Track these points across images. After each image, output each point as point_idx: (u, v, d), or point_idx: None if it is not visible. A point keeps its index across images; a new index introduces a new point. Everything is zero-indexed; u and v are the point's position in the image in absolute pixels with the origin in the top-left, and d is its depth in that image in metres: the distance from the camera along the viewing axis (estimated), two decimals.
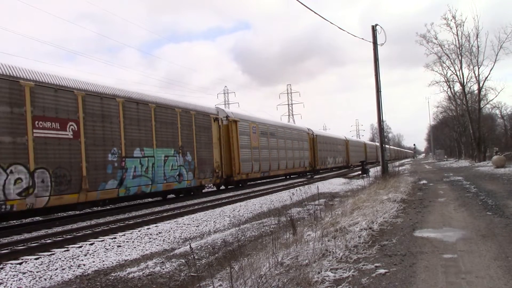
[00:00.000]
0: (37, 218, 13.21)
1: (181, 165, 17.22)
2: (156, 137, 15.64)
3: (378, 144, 38.29)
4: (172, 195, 18.55)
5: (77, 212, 14.59)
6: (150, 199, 18.11)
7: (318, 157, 37.42)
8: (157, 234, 9.62)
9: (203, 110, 19.56)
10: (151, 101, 15.66)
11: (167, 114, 16.47)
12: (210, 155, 19.66)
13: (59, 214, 13.63)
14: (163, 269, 6.67)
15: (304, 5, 13.73)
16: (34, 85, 10.98)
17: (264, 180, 28.03)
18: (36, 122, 10.99)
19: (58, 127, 11.65)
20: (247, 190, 20.26)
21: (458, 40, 38.44)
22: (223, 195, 18.56)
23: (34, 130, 10.91)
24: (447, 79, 42.58)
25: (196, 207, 14.47)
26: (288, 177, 31.61)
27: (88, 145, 12.59)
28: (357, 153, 57.08)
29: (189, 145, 17.93)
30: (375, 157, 63.93)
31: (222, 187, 22.87)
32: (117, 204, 15.88)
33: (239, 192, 20.19)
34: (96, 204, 13.89)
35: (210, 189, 22.75)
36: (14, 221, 12.30)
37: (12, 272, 6.75)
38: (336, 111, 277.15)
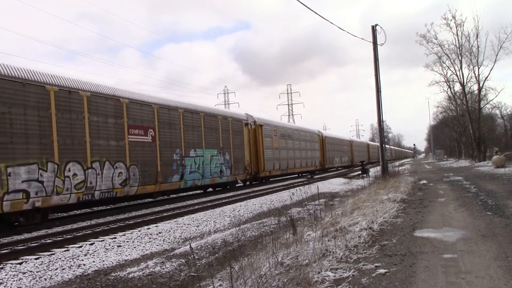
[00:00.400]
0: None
1: (222, 163, 20.69)
2: (204, 140, 19.14)
3: (394, 146, 43.77)
4: (210, 189, 21.59)
5: (77, 212, 14.63)
6: (188, 193, 20.68)
7: (327, 156, 40.32)
8: (157, 234, 9.62)
9: (237, 116, 23.11)
10: (201, 111, 19.20)
11: (211, 121, 19.94)
12: (242, 155, 22.96)
13: (137, 201, 16.70)
14: (163, 269, 6.67)
15: (304, 5, 13.74)
16: (128, 102, 14.42)
17: (283, 177, 31.13)
18: (130, 129, 14.37)
19: (143, 133, 15.03)
20: (250, 190, 21.13)
21: (458, 40, 38.47)
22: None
23: (129, 136, 14.30)
24: (447, 79, 42.61)
25: (196, 207, 14.48)
26: (300, 174, 34.06)
27: (161, 147, 15.90)
28: (361, 153, 59.39)
29: (227, 147, 21.31)
30: (377, 157, 65.75)
31: (247, 183, 25.32)
32: (178, 194, 19.51)
33: (239, 192, 20.27)
34: (165, 194, 17.13)
35: (239, 184, 24.89)
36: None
37: (12, 272, 6.75)
38: (336, 111, 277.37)
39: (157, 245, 8.77)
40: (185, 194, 20.36)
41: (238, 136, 22.55)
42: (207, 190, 21.34)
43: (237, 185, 23.72)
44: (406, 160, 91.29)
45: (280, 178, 30.74)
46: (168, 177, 16.20)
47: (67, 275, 6.73)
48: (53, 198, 11.30)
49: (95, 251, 8.08)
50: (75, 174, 12.02)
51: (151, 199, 16.95)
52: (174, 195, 18.99)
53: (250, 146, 24.09)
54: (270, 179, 27.95)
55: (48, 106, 11.43)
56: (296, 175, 33.38)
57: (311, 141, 36.09)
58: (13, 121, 10.48)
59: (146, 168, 14.92)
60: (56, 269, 6.95)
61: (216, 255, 7.38)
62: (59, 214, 13.84)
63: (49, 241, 9.18)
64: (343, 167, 47.94)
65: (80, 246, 8.51)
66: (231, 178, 21.55)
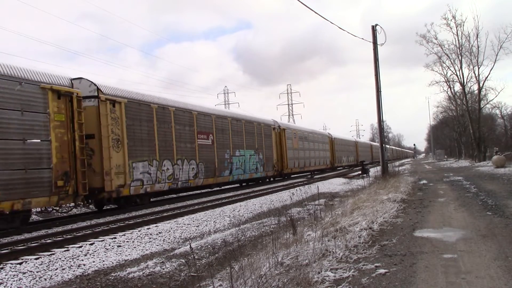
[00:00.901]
0: (37, 218, 13.21)
1: (257, 161, 24.97)
2: (245, 142, 23.49)
3: (394, 146, 48.94)
4: (243, 183, 25.18)
5: (77, 212, 14.63)
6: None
7: (336, 156, 44.43)
8: (157, 234, 9.62)
9: (267, 122, 27.57)
10: (242, 118, 23.87)
11: (249, 127, 24.32)
12: (271, 155, 27.23)
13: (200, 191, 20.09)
14: (163, 269, 6.67)
15: (305, 5, 13.73)
16: (197, 113, 18.82)
17: (300, 174, 34.77)
18: (198, 135, 18.66)
19: (206, 138, 19.41)
20: (252, 189, 21.60)
21: (458, 40, 38.47)
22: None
23: (197, 140, 18.59)
24: (447, 79, 42.62)
25: (196, 207, 14.47)
26: (313, 172, 37.16)
27: (217, 148, 20.29)
28: (365, 152, 63.49)
29: (261, 148, 25.52)
30: (379, 156, 69.12)
31: (271, 179, 29.09)
32: (228, 185, 23.48)
33: (239, 192, 20.31)
34: (219, 185, 21.61)
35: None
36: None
37: (12, 272, 6.75)
38: (336, 111, 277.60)
39: (157, 245, 8.77)
40: (230, 187, 23.10)
41: (268, 138, 26.90)
42: (245, 184, 25.26)
43: (266, 179, 27.88)
44: (406, 160, 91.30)
45: (298, 174, 33.90)
46: (222, 172, 20.61)
47: (67, 275, 6.73)
48: (156, 185, 15.59)
49: (95, 251, 8.08)
50: (168, 169, 16.29)
51: (195, 191, 20.94)
52: (215, 188, 22.01)
53: (276, 147, 28.28)
54: (291, 176, 31.79)
55: (152, 119, 15.65)
56: (310, 173, 36.32)
57: (323, 142, 40.14)
58: (135, 131, 14.67)
59: (208, 165, 19.29)
60: (56, 269, 6.95)
61: (216, 255, 7.38)
62: (157, 198, 17.69)
63: (49, 241, 9.17)
64: (349, 166, 51.52)
65: (80, 246, 8.51)
66: (263, 174, 26.07)
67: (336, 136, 46.79)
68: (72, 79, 12.50)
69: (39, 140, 10.93)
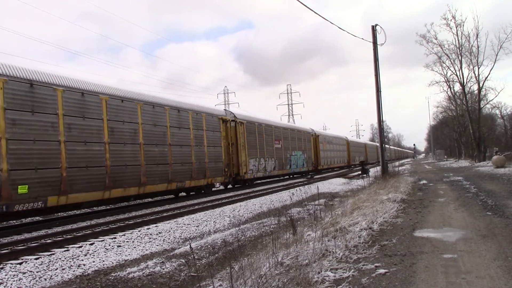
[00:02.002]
0: (37, 218, 13.21)
1: (303, 159, 34.07)
2: (297, 146, 32.82)
3: (394, 147, 51.75)
4: (295, 174, 33.44)
5: (77, 212, 14.62)
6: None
7: (351, 156, 53.22)
8: (157, 234, 9.62)
9: (308, 131, 36.93)
10: (296, 128, 34.33)
11: (299, 134, 33.84)
12: (310, 155, 36.33)
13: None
14: (163, 269, 6.66)
15: (304, 5, 13.71)
16: (274, 127, 28.20)
17: (327, 170, 41.91)
18: (274, 141, 27.91)
19: (278, 143, 28.65)
20: (256, 188, 22.41)
21: (458, 40, 38.46)
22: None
23: (274, 144, 27.90)
24: (447, 79, 42.61)
25: (196, 207, 14.47)
26: (333, 169, 44.51)
27: (284, 150, 29.58)
28: (372, 153, 71.13)
29: (305, 149, 34.73)
30: (391, 156, 77.02)
31: (309, 175, 35.02)
32: (287, 176, 31.80)
33: (239, 192, 20.31)
34: (283, 176, 30.80)
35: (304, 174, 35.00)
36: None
37: (12, 272, 6.75)
38: (336, 111, 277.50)
39: (157, 245, 8.77)
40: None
41: (308, 143, 35.96)
42: (297, 175, 33.48)
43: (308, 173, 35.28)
44: (406, 160, 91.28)
45: (326, 170, 41.52)
46: (285, 166, 29.86)
47: (67, 275, 6.73)
48: (258, 173, 24.90)
49: (95, 251, 8.08)
50: (262, 163, 25.49)
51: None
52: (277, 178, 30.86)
53: (313, 149, 37.29)
54: (322, 171, 39.58)
55: (254, 132, 24.91)
56: (331, 169, 44.00)
57: (341, 144, 48.95)
58: (250, 140, 24.13)
59: (279, 161, 28.47)
60: (56, 269, 6.95)
61: (216, 255, 7.38)
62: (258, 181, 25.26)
63: (49, 241, 9.18)
64: (359, 164, 58.75)
65: (80, 246, 8.51)
66: (306, 168, 34.69)
67: (351, 139, 57.63)
68: (224, 110, 23.50)
69: (220, 147, 20.85)
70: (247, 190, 21.17)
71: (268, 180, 28.76)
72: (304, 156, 34.02)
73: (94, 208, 14.90)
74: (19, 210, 10.36)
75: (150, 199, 18.19)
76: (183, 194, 19.45)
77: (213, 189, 21.31)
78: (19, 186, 10.36)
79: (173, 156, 16.63)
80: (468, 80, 40.54)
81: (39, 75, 11.39)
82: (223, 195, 18.79)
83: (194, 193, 19.46)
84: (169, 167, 16.30)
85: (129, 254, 8.02)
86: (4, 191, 10.00)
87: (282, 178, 31.05)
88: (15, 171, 10.30)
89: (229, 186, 23.86)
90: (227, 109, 24.79)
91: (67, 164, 11.70)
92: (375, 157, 68.57)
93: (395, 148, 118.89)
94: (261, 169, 25.30)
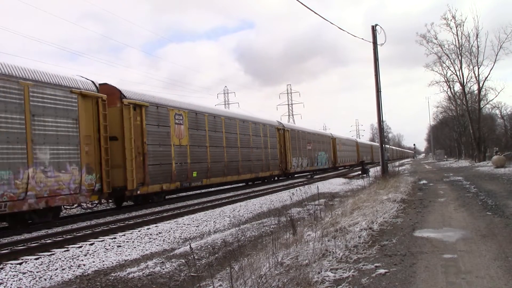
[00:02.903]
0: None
1: (326, 159, 41.25)
2: (321, 147, 40.02)
3: (394, 147, 59.24)
4: (318, 171, 39.34)
5: (77, 212, 14.62)
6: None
7: (360, 155, 59.93)
8: (157, 234, 9.62)
9: (328, 134, 46.34)
10: (319, 133, 42.36)
11: (322, 138, 41.55)
12: (330, 155, 43.75)
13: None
14: (163, 269, 6.66)
15: (304, 5, 13.71)
16: (307, 133, 36.62)
17: (341, 167, 49.40)
18: (307, 144, 35.13)
19: (309, 145, 35.76)
20: (256, 188, 22.48)
21: (458, 40, 38.48)
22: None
23: (307, 146, 35.25)
24: (447, 79, 42.62)
25: (196, 207, 14.47)
26: (345, 167, 51.28)
27: (313, 150, 36.69)
28: (377, 153, 73.37)
29: (326, 150, 41.68)
30: (387, 156, 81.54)
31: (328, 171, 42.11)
32: (315, 171, 37.78)
33: (239, 192, 20.32)
34: (313, 172, 36.41)
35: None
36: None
37: (12, 272, 6.75)
38: (337, 111, 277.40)
39: (157, 245, 8.77)
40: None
41: (328, 145, 43.39)
42: (319, 171, 39.43)
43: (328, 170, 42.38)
44: (406, 160, 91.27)
45: (341, 167, 49.15)
46: (314, 164, 36.82)
47: (67, 275, 6.73)
48: (296, 169, 31.94)
49: (95, 251, 8.08)
50: (299, 161, 32.46)
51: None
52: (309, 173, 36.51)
53: (332, 150, 44.51)
54: (339, 168, 47.33)
55: (295, 138, 32.13)
56: (344, 166, 51.32)
57: (352, 145, 56.98)
58: (293, 144, 31.95)
59: (310, 160, 35.44)
60: (56, 269, 6.95)
61: (216, 255, 7.38)
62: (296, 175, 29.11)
63: (49, 241, 9.17)
64: (367, 163, 67.21)
65: (80, 246, 8.50)
66: (327, 166, 41.85)
67: (360, 141, 67.39)
68: (277, 121, 31.04)
69: (276, 149, 28.38)
70: (256, 188, 22.28)
71: (302, 174, 35.93)
72: (326, 156, 42.07)
73: (95, 208, 14.86)
74: (192, 186, 18.32)
75: (231, 186, 24.17)
76: (255, 182, 26.91)
77: (272, 179, 28.87)
78: (193, 172, 18.02)
79: (253, 155, 24.64)
80: (468, 80, 40.59)
81: (212, 111, 21.52)
82: (223, 195, 18.81)
83: (260, 182, 27.04)
84: (251, 163, 24.42)
85: (129, 254, 8.01)
86: (188, 174, 17.65)
87: (311, 172, 37.54)
88: (192, 164, 17.97)
89: (281, 177, 30.64)
90: (279, 121, 32.26)
91: (210, 160, 19.55)
92: (379, 156, 73.31)
93: (395, 148, 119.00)
94: (299, 165, 33.01)
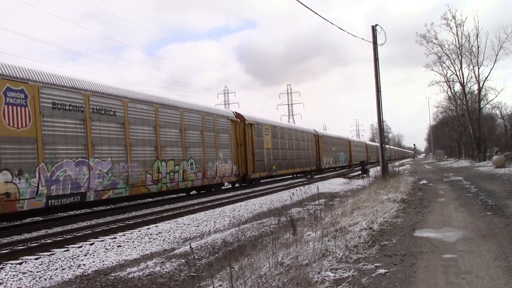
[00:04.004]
0: (37, 218, 13.21)
1: (345, 158, 49.79)
2: (342, 149, 48.93)
3: (394, 147, 70.42)
4: (337, 167, 47.82)
5: (77, 212, 14.63)
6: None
7: (369, 155, 67.76)
8: (157, 234, 9.62)
9: (345, 138, 53.83)
10: (339, 137, 50.82)
11: (342, 141, 50.19)
12: (347, 155, 51.57)
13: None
14: (163, 269, 6.66)
15: (304, 5, 13.71)
16: (332, 137, 46.68)
17: (354, 165, 55.03)
18: (331, 145, 44.62)
19: (333, 147, 45.44)
20: (256, 188, 22.57)
21: (458, 40, 38.51)
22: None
23: (332, 147, 44.67)
24: (447, 79, 42.65)
25: (196, 207, 14.47)
26: (357, 165, 55.56)
27: (336, 151, 46.47)
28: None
29: (344, 150, 50.08)
30: (389, 156, 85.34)
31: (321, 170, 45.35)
32: (337, 168, 47.33)
33: (239, 192, 20.33)
34: (335, 169, 45.66)
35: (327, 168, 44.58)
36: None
37: (12, 272, 6.75)
38: (337, 111, 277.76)
39: (157, 245, 8.77)
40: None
41: (346, 146, 51.23)
42: (338, 168, 47.27)
43: (346, 167, 50.32)
44: (406, 160, 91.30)
45: (354, 165, 54.63)
46: (337, 162, 45.19)
47: (67, 275, 6.73)
48: (326, 166, 41.14)
49: (95, 251, 8.08)
50: (328, 160, 41.97)
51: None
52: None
53: (348, 151, 52.01)
54: (352, 166, 53.79)
55: (326, 142, 41.91)
56: (354, 165, 56.58)
57: (362, 147, 66.16)
58: (325, 147, 42.02)
59: (335, 159, 44.70)
60: (56, 269, 6.95)
61: (216, 255, 7.38)
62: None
63: (49, 241, 9.17)
64: (373, 162, 71.46)
65: (80, 246, 8.50)
66: (345, 164, 49.45)
67: (368, 143, 74.29)
68: (313, 129, 39.75)
69: (313, 150, 37.63)
70: (256, 188, 22.52)
71: (329, 169, 43.35)
72: (345, 156, 50.40)
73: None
74: (272, 174, 27.58)
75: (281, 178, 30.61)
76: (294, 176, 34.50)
77: (309, 175, 34.83)
78: (273, 166, 27.26)
79: (301, 155, 33.83)
80: (468, 80, 40.62)
81: (280, 124, 32.90)
82: (223, 195, 18.82)
83: (302, 175, 34.71)
84: (300, 160, 33.48)
85: (129, 254, 8.01)
86: (271, 167, 26.68)
87: (335, 169, 46.30)
88: (273, 160, 27.50)
89: (314, 171, 36.72)
90: (315, 129, 39.98)
91: (281, 158, 28.94)
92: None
93: (395, 148, 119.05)
94: (328, 163, 41.12)
